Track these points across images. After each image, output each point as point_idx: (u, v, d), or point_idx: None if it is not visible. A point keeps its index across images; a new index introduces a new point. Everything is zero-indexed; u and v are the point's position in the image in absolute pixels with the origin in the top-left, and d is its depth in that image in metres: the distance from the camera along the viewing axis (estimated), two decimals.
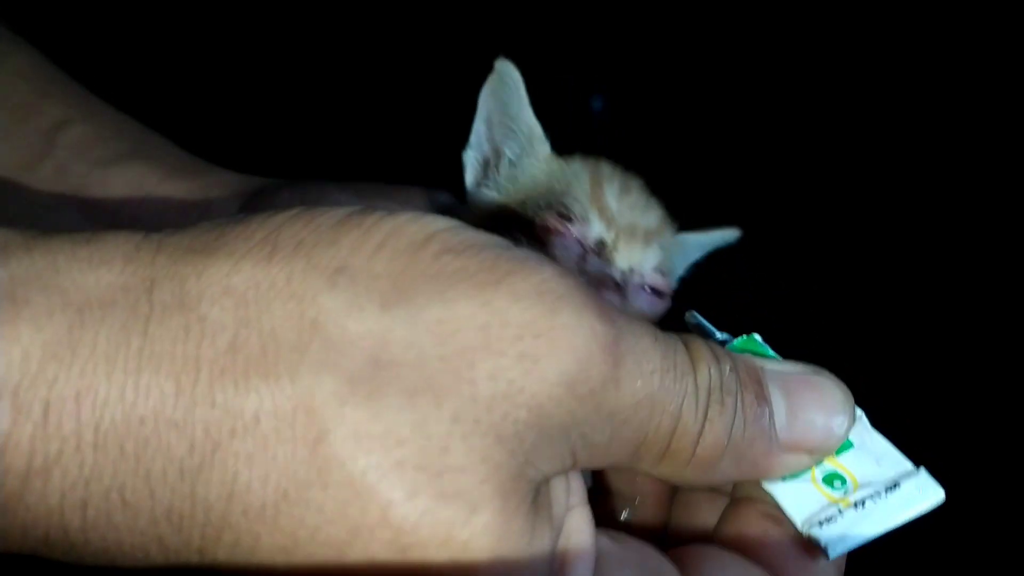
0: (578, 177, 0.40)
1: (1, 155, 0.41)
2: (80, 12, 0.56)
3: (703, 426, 0.26)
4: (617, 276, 0.38)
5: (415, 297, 0.23)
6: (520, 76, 0.42)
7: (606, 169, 0.41)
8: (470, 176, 0.43)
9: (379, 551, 0.23)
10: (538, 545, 0.24)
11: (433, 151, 0.44)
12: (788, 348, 0.30)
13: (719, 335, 0.32)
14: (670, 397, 0.25)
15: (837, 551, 0.27)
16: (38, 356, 0.22)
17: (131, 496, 0.23)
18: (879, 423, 0.29)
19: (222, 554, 0.23)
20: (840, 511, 0.27)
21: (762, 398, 0.27)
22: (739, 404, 0.27)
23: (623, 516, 0.33)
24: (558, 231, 0.38)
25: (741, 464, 0.27)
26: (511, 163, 0.42)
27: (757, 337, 0.30)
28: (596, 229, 0.38)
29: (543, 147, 0.42)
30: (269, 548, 0.23)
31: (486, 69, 0.41)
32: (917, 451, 0.29)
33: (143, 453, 0.22)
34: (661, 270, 0.39)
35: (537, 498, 0.24)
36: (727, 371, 0.27)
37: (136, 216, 0.41)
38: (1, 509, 0.23)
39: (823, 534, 0.27)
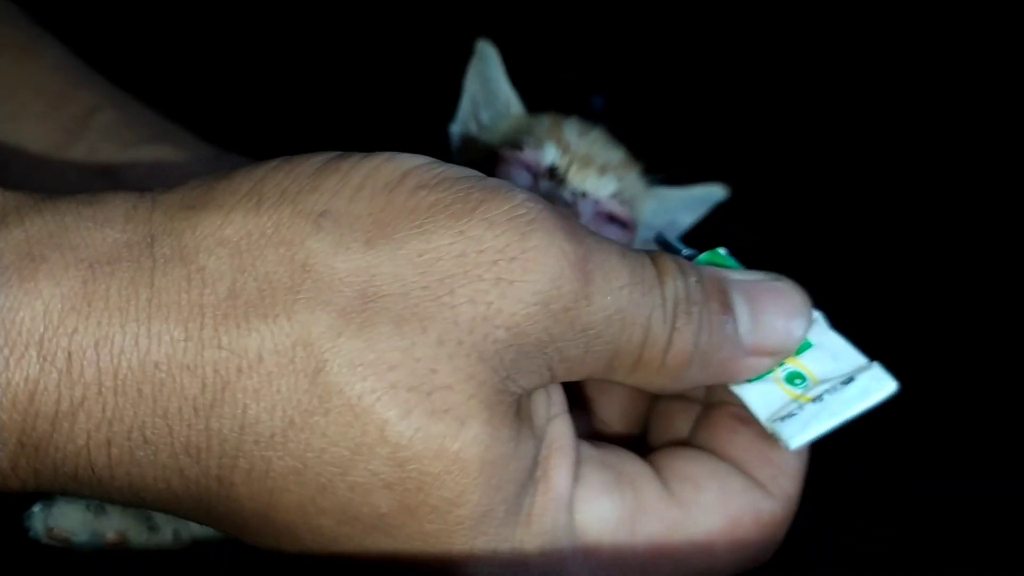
0: (541, 120, 0.42)
1: (39, 135, 0.45)
2: (79, 11, 0.60)
3: (671, 335, 0.27)
4: (567, 198, 0.39)
5: (395, 233, 0.25)
6: (497, 53, 0.45)
7: (572, 118, 0.43)
8: (455, 145, 0.45)
9: (379, 466, 0.25)
10: (522, 451, 0.26)
11: (438, 143, 0.47)
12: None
13: (685, 251, 0.33)
14: (639, 310, 0.27)
15: (797, 442, 0.28)
16: (58, 309, 0.24)
17: (151, 434, 0.25)
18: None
19: (238, 479, 0.25)
20: (801, 406, 0.28)
21: (726, 306, 0.28)
22: (704, 313, 0.28)
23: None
24: (506, 159, 0.40)
25: (708, 369, 0.28)
26: (483, 125, 0.44)
27: (722, 251, 0.32)
28: (550, 155, 0.40)
29: (516, 109, 0.44)
30: (281, 471, 0.25)
31: None
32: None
33: (159, 395, 0.25)
34: (620, 199, 0.40)
35: (520, 410, 0.26)
36: (692, 282, 0.28)
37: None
38: (34, 449, 0.25)
39: (784, 428, 0.28)
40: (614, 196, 0.40)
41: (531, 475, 0.26)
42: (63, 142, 0.44)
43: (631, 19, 0.68)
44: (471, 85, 0.46)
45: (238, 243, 0.25)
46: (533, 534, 0.27)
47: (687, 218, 0.46)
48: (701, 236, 0.46)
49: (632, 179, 0.42)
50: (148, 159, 0.45)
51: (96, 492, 0.26)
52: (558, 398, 0.28)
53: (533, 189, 0.39)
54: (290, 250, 0.25)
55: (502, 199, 0.26)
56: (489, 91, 0.45)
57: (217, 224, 0.26)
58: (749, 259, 0.32)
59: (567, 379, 0.28)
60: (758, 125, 0.67)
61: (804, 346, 0.29)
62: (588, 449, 0.28)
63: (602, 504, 0.27)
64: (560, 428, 0.28)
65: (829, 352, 0.29)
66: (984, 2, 0.69)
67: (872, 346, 0.30)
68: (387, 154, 0.27)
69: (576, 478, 0.27)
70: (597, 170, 0.40)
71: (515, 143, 0.40)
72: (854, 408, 0.28)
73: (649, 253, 0.28)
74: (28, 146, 0.44)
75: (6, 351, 0.24)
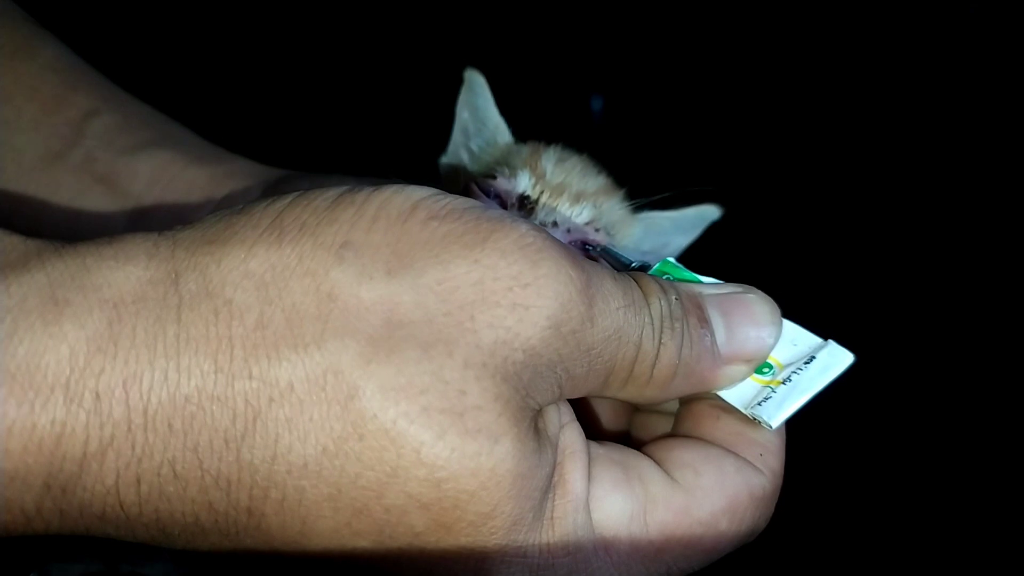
0: (521, 149, 0.42)
1: (33, 144, 0.45)
2: (87, 9, 0.60)
3: (658, 351, 0.29)
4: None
5: (414, 263, 0.26)
6: (485, 80, 0.45)
7: (553, 147, 0.42)
8: (444, 179, 0.46)
9: (416, 488, 0.25)
10: (544, 460, 0.27)
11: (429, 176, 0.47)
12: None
13: (635, 263, 0.35)
14: (632, 329, 0.28)
15: (778, 421, 0.30)
16: (84, 351, 0.24)
17: (181, 468, 0.25)
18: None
19: (270, 509, 0.26)
20: (773, 390, 0.31)
21: (703, 320, 0.30)
22: (685, 328, 0.30)
23: None
24: (473, 190, 0.40)
25: (691, 379, 0.30)
26: (473, 154, 0.44)
27: (671, 260, 0.34)
28: (522, 184, 0.40)
29: (504, 137, 0.44)
30: (315, 498, 0.25)
31: (487, 68, 0.44)
32: None
33: (190, 428, 0.25)
34: (595, 227, 0.39)
35: (537, 424, 0.28)
36: (673, 300, 0.30)
37: (161, 200, 0.44)
38: (61, 491, 0.25)
39: (763, 411, 0.30)
40: (588, 223, 0.40)
41: (550, 481, 0.28)
42: (59, 150, 0.44)
43: (630, 20, 0.68)
44: (461, 115, 0.46)
45: (263, 276, 0.26)
46: (557, 535, 0.28)
47: (681, 240, 0.45)
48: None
49: (612, 206, 0.41)
50: (148, 166, 0.44)
51: (121, 530, 0.26)
52: (566, 408, 0.30)
53: None
54: (315, 280, 0.26)
55: (509, 229, 0.27)
56: (478, 120, 0.45)
57: (241, 258, 0.26)
58: (742, 261, 0.33)
59: (570, 396, 0.29)
60: (758, 125, 0.66)
61: None
62: (596, 448, 0.30)
63: (615, 500, 0.29)
64: (571, 434, 0.29)
65: (788, 339, 0.31)
66: (985, 3, 0.68)
67: (863, 347, 0.31)
68: (396, 186, 0.28)
69: (589, 479, 0.29)
70: (571, 198, 0.39)
71: (489, 173, 0.40)
72: (821, 382, 0.30)
73: (632, 275, 0.30)
74: (23, 154, 0.44)
75: (31, 394, 0.24)
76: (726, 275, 0.33)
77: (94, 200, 0.44)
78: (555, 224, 0.39)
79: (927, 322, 0.65)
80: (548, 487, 0.28)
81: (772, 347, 0.31)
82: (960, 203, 0.67)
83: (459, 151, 0.46)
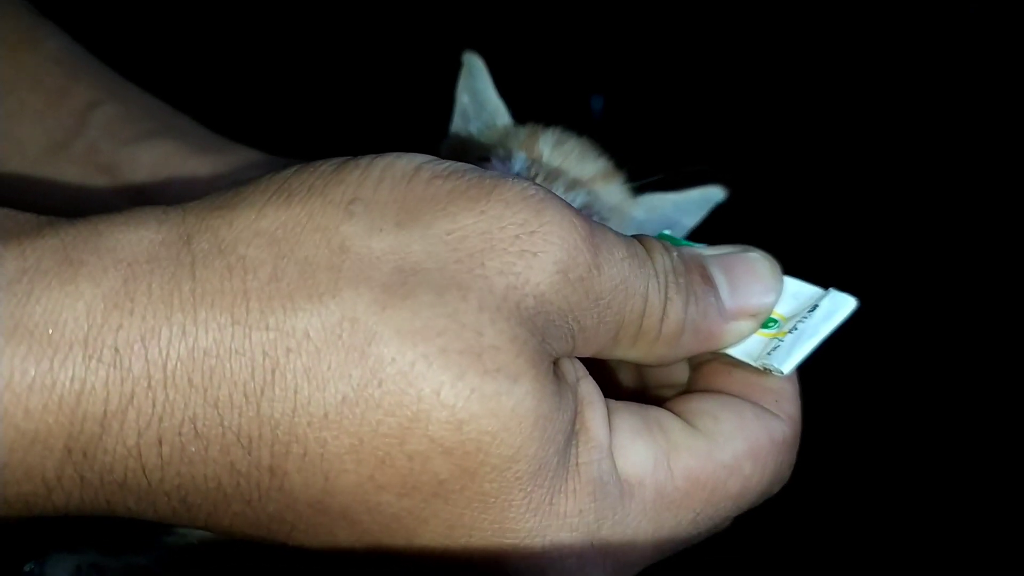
0: (519, 131, 0.42)
1: (36, 135, 0.45)
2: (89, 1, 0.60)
3: (665, 304, 0.29)
4: None
5: (422, 216, 0.26)
6: (483, 63, 0.44)
7: (553, 128, 0.42)
8: None
9: (437, 431, 0.25)
10: (566, 405, 0.27)
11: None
12: None
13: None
14: (638, 280, 0.28)
15: (789, 367, 0.30)
16: (101, 308, 0.24)
17: (202, 426, 0.25)
18: None
19: (292, 466, 0.25)
20: (780, 341, 0.31)
21: (707, 277, 0.30)
22: (689, 284, 0.30)
23: None
24: None
25: (699, 336, 0.30)
26: (473, 137, 0.44)
27: (668, 232, 0.35)
28: (516, 166, 0.39)
29: (503, 119, 0.43)
30: (336, 450, 0.25)
31: (489, 67, 0.44)
32: None
33: (210, 383, 0.25)
34: (589, 214, 0.37)
35: (556, 370, 0.28)
36: (675, 257, 0.30)
37: (164, 190, 0.44)
38: (82, 454, 0.24)
39: (773, 359, 0.31)
40: (582, 210, 0.39)
41: (573, 427, 0.28)
42: (62, 140, 0.45)
43: (630, 20, 0.67)
44: (461, 99, 0.45)
45: (274, 232, 0.26)
46: (583, 483, 0.27)
47: (687, 221, 0.44)
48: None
49: (610, 191, 0.40)
50: (150, 156, 0.45)
51: (143, 503, 0.26)
52: (579, 364, 0.29)
53: None
54: (326, 235, 0.26)
55: (512, 183, 0.27)
56: (478, 103, 0.45)
57: (252, 218, 0.26)
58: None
59: (583, 352, 0.29)
60: (759, 124, 0.66)
61: None
62: (612, 402, 0.30)
63: (637, 448, 0.29)
64: (588, 386, 0.29)
65: (790, 294, 0.32)
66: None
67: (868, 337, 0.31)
68: (397, 153, 0.28)
69: (611, 428, 0.28)
70: (566, 184, 0.39)
71: (484, 155, 0.40)
72: (827, 327, 0.31)
73: (633, 235, 0.30)
74: (27, 144, 0.44)
75: (50, 352, 0.24)
76: None
77: (98, 190, 0.45)
78: None
79: (930, 308, 0.64)
80: (571, 433, 0.27)
81: (775, 301, 0.31)
82: (959, 194, 0.66)
83: (459, 135, 0.46)
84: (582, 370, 0.29)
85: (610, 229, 0.29)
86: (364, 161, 0.27)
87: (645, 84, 0.43)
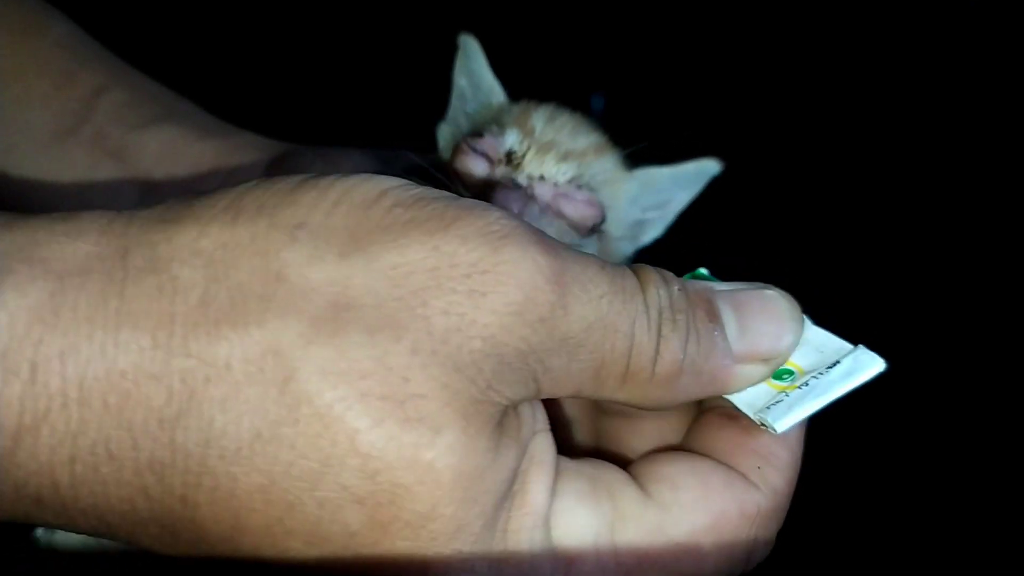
0: (513, 109, 0.42)
1: (44, 120, 0.45)
2: None
3: (658, 343, 0.27)
4: (523, 182, 0.38)
5: (370, 246, 0.25)
6: (479, 44, 0.45)
7: (546, 104, 0.42)
8: (441, 144, 0.46)
9: (350, 479, 0.24)
10: (501, 463, 0.25)
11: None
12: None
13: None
14: (621, 318, 0.26)
15: (783, 425, 0.27)
16: (24, 320, 0.24)
17: (115, 448, 0.24)
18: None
19: (203, 498, 0.24)
20: (786, 395, 0.28)
21: (713, 314, 0.28)
22: (691, 321, 0.27)
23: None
24: (462, 148, 0.39)
25: (701, 379, 0.28)
26: (470, 119, 0.44)
27: (703, 271, 0.32)
28: (509, 141, 0.39)
29: (499, 98, 0.44)
30: (247, 488, 0.24)
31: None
32: None
33: (125, 405, 0.24)
34: (579, 184, 0.39)
35: (504, 420, 0.26)
36: (675, 291, 0.28)
37: (170, 174, 0.45)
38: None
39: (770, 414, 0.28)
40: (571, 181, 0.39)
41: (510, 488, 0.26)
42: (70, 125, 0.45)
43: (630, 20, 0.68)
44: (458, 80, 0.46)
45: (212, 254, 0.25)
46: (510, 551, 0.26)
47: (682, 196, 0.44)
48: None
49: (602, 163, 0.40)
50: (156, 140, 0.45)
51: (60, 518, 0.25)
52: (541, 415, 0.28)
53: (489, 176, 0.39)
54: (265, 260, 0.25)
55: (476, 216, 0.26)
56: (474, 84, 0.45)
57: (193, 236, 0.25)
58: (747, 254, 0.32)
59: (557, 392, 0.27)
60: (760, 125, 0.67)
61: None
62: (565, 462, 0.28)
63: (578, 515, 0.27)
64: (542, 443, 0.27)
65: (814, 346, 0.29)
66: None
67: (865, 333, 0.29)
68: (365, 175, 0.27)
69: (554, 492, 0.27)
70: (558, 155, 0.39)
71: (477, 132, 0.40)
72: (841, 387, 0.28)
73: (632, 266, 0.28)
74: (35, 130, 0.45)
75: None
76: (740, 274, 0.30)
77: (106, 174, 0.45)
78: (542, 178, 0.39)
79: (930, 306, 0.63)
80: (505, 494, 0.26)
81: (791, 345, 0.28)
82: (961, 185, 0.66)
83: (458, 117, 0.46)
84: (542, 423, 0.28)
85: (594, 262, 0.27)
86: (324, 182, 0.26)
87: (646, 82, 0.43)
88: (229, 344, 0.24)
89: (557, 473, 0.27)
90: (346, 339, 0.24)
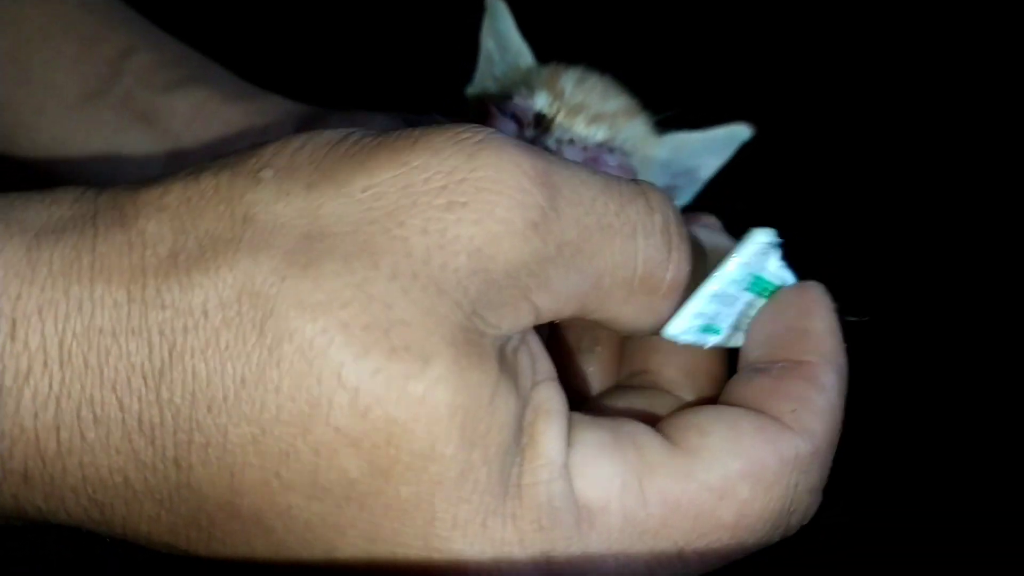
0: (541, 70, 0.42)
1: (72, 82, 0.45)
2: None
3: (670, 248, 0.26)
4: (552, 145, 0.37)
5: (336, 174, 0.24)
6: (506, 5, 0.44)
7: (576, 67, 0.42)
8: (470, 110, 0.45)
9: (341, 418, 0.23)
10: (502, 405, 0.24)
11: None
12: None
13: None
14: (621, 220, 0.25)
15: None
16: (0, 275, 0.23)
17: (101, 410, 0.23)
18: None
19: (196, 458, 0.23)
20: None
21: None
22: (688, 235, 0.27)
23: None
24: (491, 110, 0.39)
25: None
26: (498, 82, 0.44)
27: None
28: (539, 103, 0.39)
29: (526, 60, 0.43)
30: (238, 440, 0.23)
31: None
32: None
33: (106, 363, 0.23)
34: (609, 146, 0.38)
35: (503, 358, 0.24)
36: (676, 206, 0.27)
37: (199, 138, 0.45)
38: None
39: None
40: (602, 144, 0.38)
41: (516, 440, 0.24)
42: (98, 88, 0.45)
43: (631, 19, 0.67)
44: (485, 43, 0.45)
45: (177, 208, 0.24)
46: (526, 507, 0.24)
47: (712, 162, 0.43)
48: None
49: (633, 127, 0.40)
50: (185, 103, 0.45)
51: (52, 498, 0.24)
52: (544, 364, 0.26)
53: (519, 138, 0.38)
54: (230, 206, 0.24)
55: (445, 128, 0.25)
56: (502, 46, 0.45)
57: (157, 194, 0.25)
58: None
59: (556, 312, 0.25)
60: (761, 124, 0.66)
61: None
62: (580, 415, 0.26)
63: (602, 466, 0.25)
64: (547, 392, 0.26)
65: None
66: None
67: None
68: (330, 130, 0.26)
69: (570, 443, 0.25)
70: (588, 118, 0.38)
71: (506, 94, 0.40)
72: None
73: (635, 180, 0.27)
74: (63, 92, 0.45)
75: None
76: None
77: (135, 137, 0.45)
78: (571, 142, 0.38)
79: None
80: (512, 446, 0.24)
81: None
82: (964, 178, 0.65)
83: (485, 80, 0.46)
84: (545, 372, 0.26)
85: (586, 168, 0.25)
86: (291, 136, 0.26)
87: (645, 83, 0.43)
88: (203, 290, 0.23)
89: (572, 424, 0.25)
90: (322, 269, 0.23)
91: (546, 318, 0.25)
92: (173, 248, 0.24)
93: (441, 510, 0.23)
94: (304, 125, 0.45)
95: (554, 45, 0.44)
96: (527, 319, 0.25)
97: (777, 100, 0.67)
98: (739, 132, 0.43)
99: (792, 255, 0.30)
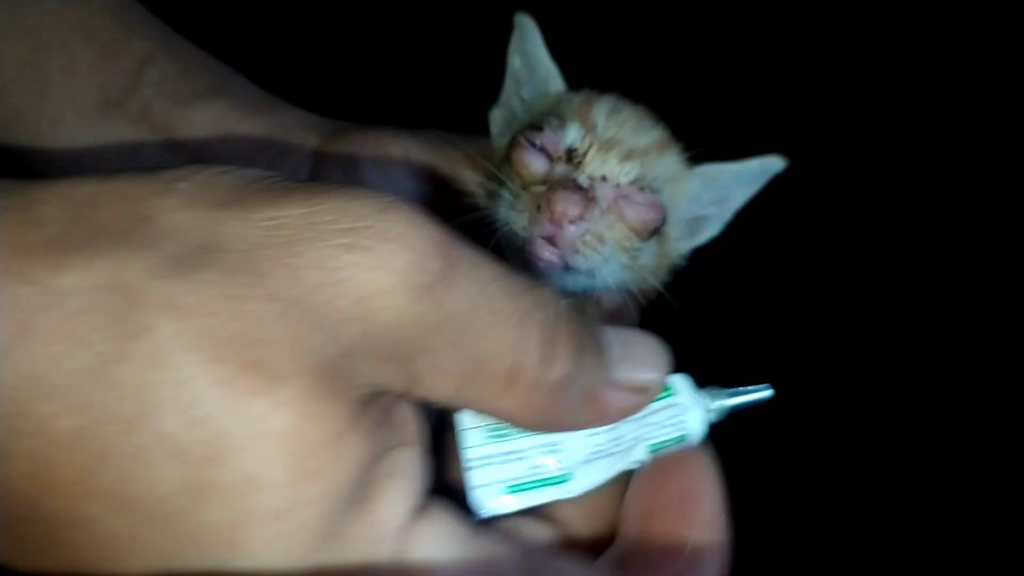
0: (572, 98, 0.40)
1: (89, 91, 0.44)
2: None
3: (552, 346, 0.25)
4: (583, 183, 0.36)
5: (248, 201, 0.24)
6: (535, 25, 0.43)
7: (607, 96, 0.40)
8: (494, 130, 0.44)
9: (171, 424, 0.21)
10: (348, 448, 0.23)
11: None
12: None
13: None
14: (511, 310, 0.25)
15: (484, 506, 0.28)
16: None
17: None
18: None
19: (23, 448, 0.22)
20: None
21: (598, 336, 0.28)
22: (583, 333, 0.26)
23: None
24: (520, 143, 0.38)
25: (584, 398, 0.27)
26: (524, 103, 0.43)
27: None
28: (570, 136, 0.38)
29: (556, 84, 0.42)
30: (62, 432, 0.22)
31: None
32: None
33: None
34: (641, 186, 0.37)
35: (366, 407, 0.24)
36: (567, 303, 0.27)
37: (218, 152, 0.44)
38: None
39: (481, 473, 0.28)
40: (635, 183, 0.38)
41: (358, 491, 0.23)
42: (116, 98, 0.44)
43: (631, 19, 0.66)
44: (513, 62, 0.44)
45: (84, 199, 0.24)
46: (347, 557, 0.23)
47: (743, 193, 0.42)
48: None
49: (664, 162, 0.39)
50: (204, 116, 0.43)
51: None
52: (411, 431, 0.26)
53: (549, 174, 0.37)
54: (132, 205, 0.23)
55: (366, 187, 0.25)
56: (530, 66, 0.43)
57: (70, 185, 0.24)
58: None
59: (434, 387, 0.25)
60: (762, 125, 0.65)
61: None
62: (450, 503, 0.26)
63: (444, 551, 0.25)
64: (404, 457, 0.25)
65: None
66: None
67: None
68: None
69: (421, 517, 0.25)
70: (620, 154, 0.37)
71: (536, 124, 0.39)
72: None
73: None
74: (80, 102, 0.43)
75: None
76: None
77: (151, 150, 0.44)
78: (604, 179, 0.37)
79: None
80: (350, 492, 0.23)
81: (662, 382, 0.28)
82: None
83: (511, 101, 0.45)
84: (409, 438, 0.25)
85: (488, 257, 0.25)
86: (220, 165, 0.25)
87: (645, 83, 0.41)
88: (74, 273, 0.22)
89: (434, 503, 0.25)
90: (200, 275, 0.22)
91: (421, 389, 0.25)
92: (61, 232, 0.23)
93: (254, 541, 0.22)
94: (327, 140, 0.44)
95: (580, 58, 0.43)
96: (401, 381, 0.24)
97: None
98: (772, 164, 0.42)
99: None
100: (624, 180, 0.37)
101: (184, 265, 0.22)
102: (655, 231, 0.38)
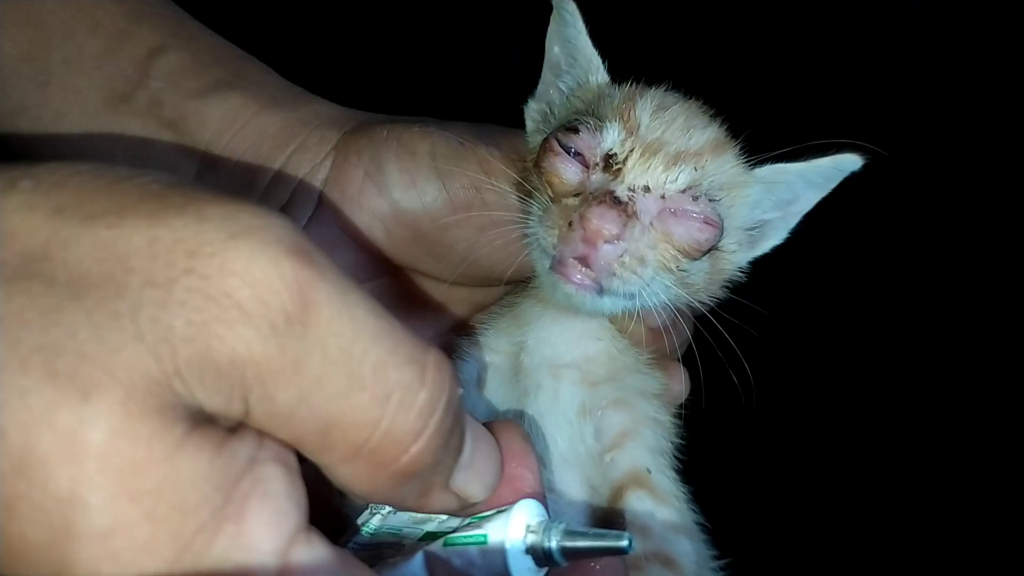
0: (615, 94, 0.35)
1: (96, 85, 0.41)
2: None
3: (426, 430, 0.24)
4: (623, 196, 0.32)
5: (91, 206, 0.23)
6: (576, 9, 0.38)
7: (653, 90, 0.36)
8: (530, 126, 0.40)
9: None
10: (187, 466, 0.22)
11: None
12: None
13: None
14: (378, 379, 0.23)
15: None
16: None
17: None
18: None
19: None
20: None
21: (464, 435, 0.26)
22: (456, 427, 0.25)
23: None
24: (552, 148, 0.33)
25: (424, 487, 0.25)
26: (563, 95, 0.38)
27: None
28: (609, 140, 0.33)
29: (598, 76, 0.37)
30: None
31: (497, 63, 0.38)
32: None
33: None
34: (695, 195, 0.33)
35: (202, 425, 0.22)
36: (459, 392, 0.25)
37: (231, 150, 0.41)
38: None
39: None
40: (687, 191, 0.33)
41: (218, 509, 0.22)
42: (124, 91, 0.41)
43: (631, 18, 0.60)
44: (551, 49, 0.39)
45: None
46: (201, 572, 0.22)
47: (812, 196, 0.37)
48: None
49: (721, 165, 0.34)
50: (218, 111, 0.40)
51: None
52: (271, 448, 0.24)
53: (583, 184, 0.33)
54: None
55: (226, 202, 0.23)
56: (569, 55, 0.39)
57: None
58: None
59: (271, 429, 0.23)
60: (763, 125, 0.60)
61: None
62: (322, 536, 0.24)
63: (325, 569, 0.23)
64: (273, 475, 0.23)
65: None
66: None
67: None
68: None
69: (301, 542, 0.23)
70: (666, 159, 0.33)
71: (570, 125, 0.34)
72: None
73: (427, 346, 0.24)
74: (86, 96, 0.41)
75: None
76: None
77: (162, 148, 0.41)
78: (647, 190, 0.32)
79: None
80: (199, 510, 0.22)
81: (487, 493, 0.27)
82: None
83: (549, 91, 0.40)
84: (271, 456, 0.23)
85: (373, 311, 0.23)
86: (80, 161, 0.24)
87: (645, 82, 0.37)
88: None
89: (314, 533, 0.24)
90: (21, 286, 0.21)
91: (256, 425, 0.23)
92: None
93: (88, 560, 0.21)
94: (349, 135, 0.40)
95: (626, 46, 0.38)
96: (237, 410, 0.23)
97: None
98: (847, 162, 0.36)
99: None
100: (671, 189, 0.33)
101: (7, 275, 0.21)
102: (709, 250, 0.33)
